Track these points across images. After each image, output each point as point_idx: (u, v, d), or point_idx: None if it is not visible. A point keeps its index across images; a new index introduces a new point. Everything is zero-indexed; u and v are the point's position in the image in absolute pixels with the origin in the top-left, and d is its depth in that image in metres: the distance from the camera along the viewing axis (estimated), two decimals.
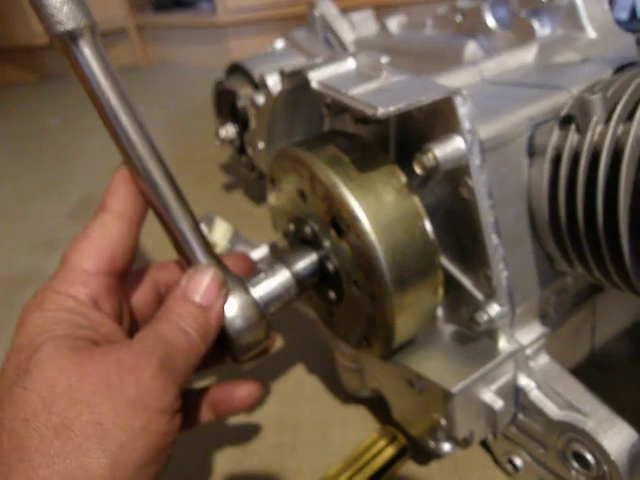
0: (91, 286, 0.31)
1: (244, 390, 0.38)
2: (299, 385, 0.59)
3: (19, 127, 1.76)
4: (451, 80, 0.42)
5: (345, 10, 0.81)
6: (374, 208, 0.34)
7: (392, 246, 0.34)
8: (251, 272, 0.37)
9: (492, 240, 0.35)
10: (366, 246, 0.34)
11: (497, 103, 0.37)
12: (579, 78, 0.40)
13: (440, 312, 0.42)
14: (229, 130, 0.86)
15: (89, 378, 0.26)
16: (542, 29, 0.50)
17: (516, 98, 0.38)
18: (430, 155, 0.32)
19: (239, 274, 0.36)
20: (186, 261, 0.35)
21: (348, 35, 0.78)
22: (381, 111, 0.30)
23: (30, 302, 0.30)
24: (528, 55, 0.47)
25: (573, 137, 0.33)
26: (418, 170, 0.33)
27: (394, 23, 0.72)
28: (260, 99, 0.46)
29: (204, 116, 1.13)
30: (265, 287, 0.37)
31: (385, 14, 0.76)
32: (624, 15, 0.85)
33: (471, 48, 0.56)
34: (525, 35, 0.50)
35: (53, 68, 2.19)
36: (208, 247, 0.35)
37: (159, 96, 1.72)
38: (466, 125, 0.33)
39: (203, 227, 0.52)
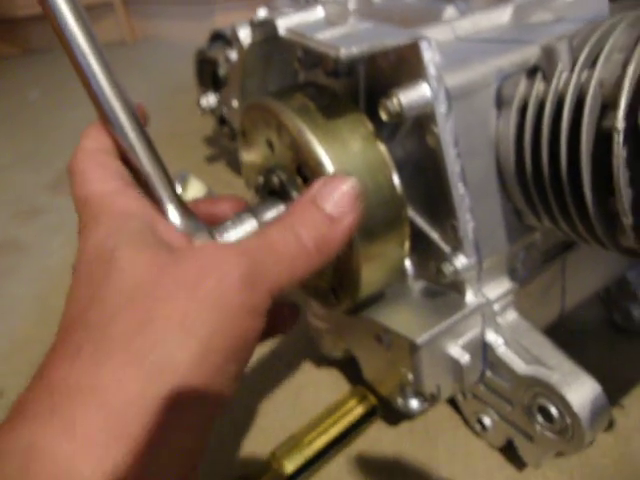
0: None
1: (285, 310, 0.38)
2: (275, 348, 0.59)
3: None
4: (427, 33, 0.41)
5: None
6: (340, 154, 0.34)
7: None
8: (145, 123, 0.36)
9: (458, 189, 0.35)
10: None
11: (467, 56, 0.37)
12: (551, 34, 0.40)
13: (410, 269, 0.42)
14: (210, 99, 0.86)
15: (171, 275, 0.26)
16: None
17: (486, 51, 0.38)
18: (395, 100, 0.32)
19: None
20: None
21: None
22: (344, 52, 0.29)
23: (84, 223, 0.29)
24: (503, 15, 0.47)
25: (539, 86, 0.33)
26: (383, 116, 0.33)
27: None
28: (233, 55, 0.46)
29: (189, 90, 1.12)
30: (232, 235, 0.36)
31: None
32: None
33: (449, 12, 0.56)
34: None
35: (36, 41, 2.16)
36: (176, 195, 0.34)
37: (145, 71, 1.71)
38: (432, 71, 0.32)
39: (177, 185, 0.52)
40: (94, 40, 0.31)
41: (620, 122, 0.27)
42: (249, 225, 0.37)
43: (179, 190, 0.49)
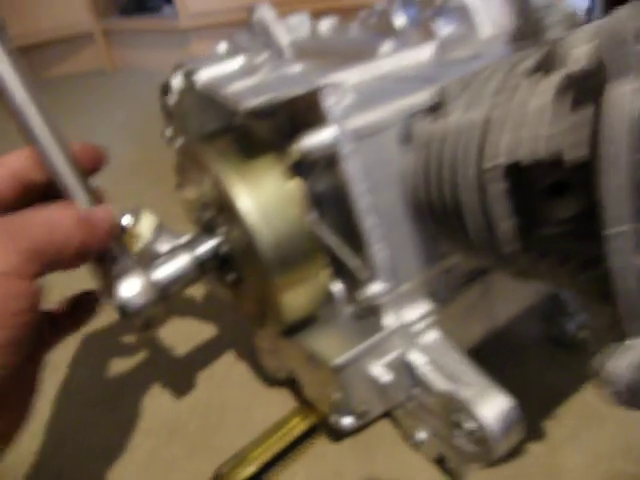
0: None
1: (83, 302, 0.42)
2: (227, 370, 0.61)
3: None
4: (345, 75, 0.44)
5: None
6: (254, 193, 0.37)
7: (273, 230, 0.37)
8: (100, 162, 0.39)
9: (368, 221, 0.37)
10: (247, 230, 0.37)
11: (378, 96, 0.40)
12: (465, 71, 0.43)
13: (341, 293, 0.44)
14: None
15: None
16: (444, 28, 0.53)
17: (396, 91, 0.41)
18: (299, 145, 0.35)
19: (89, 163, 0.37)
20: None
21: (284, 38, 0.80)
22: (242, 107, 0.33)
23: None
24: (426, 53, 0.50)
25: (436, 124, 0.36)
26: (290, 160, 0.36)
27: (325, 26, 0.75)
28: (171, 99, 0.49)
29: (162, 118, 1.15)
30: (165, 270, 0.39)
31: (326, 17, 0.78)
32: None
33: (385, 48, 0.59)
34: (427, 34, 0.53)
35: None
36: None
37: (122, 100, 1.74)
38: (334, 116, 0.35)
39: (130, 218, 0.54)
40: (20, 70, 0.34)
41: (489, 161, 0.30)
42: (182, 260, 0.40)
43: (131, 222, 0.52)
